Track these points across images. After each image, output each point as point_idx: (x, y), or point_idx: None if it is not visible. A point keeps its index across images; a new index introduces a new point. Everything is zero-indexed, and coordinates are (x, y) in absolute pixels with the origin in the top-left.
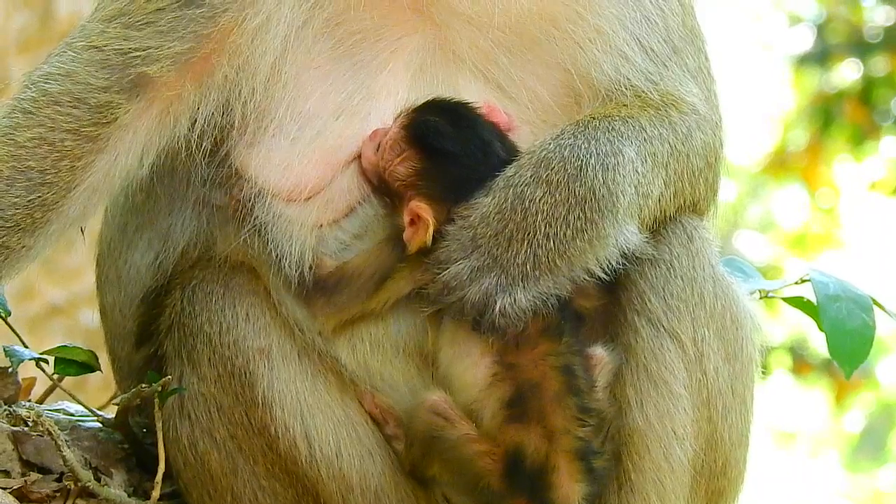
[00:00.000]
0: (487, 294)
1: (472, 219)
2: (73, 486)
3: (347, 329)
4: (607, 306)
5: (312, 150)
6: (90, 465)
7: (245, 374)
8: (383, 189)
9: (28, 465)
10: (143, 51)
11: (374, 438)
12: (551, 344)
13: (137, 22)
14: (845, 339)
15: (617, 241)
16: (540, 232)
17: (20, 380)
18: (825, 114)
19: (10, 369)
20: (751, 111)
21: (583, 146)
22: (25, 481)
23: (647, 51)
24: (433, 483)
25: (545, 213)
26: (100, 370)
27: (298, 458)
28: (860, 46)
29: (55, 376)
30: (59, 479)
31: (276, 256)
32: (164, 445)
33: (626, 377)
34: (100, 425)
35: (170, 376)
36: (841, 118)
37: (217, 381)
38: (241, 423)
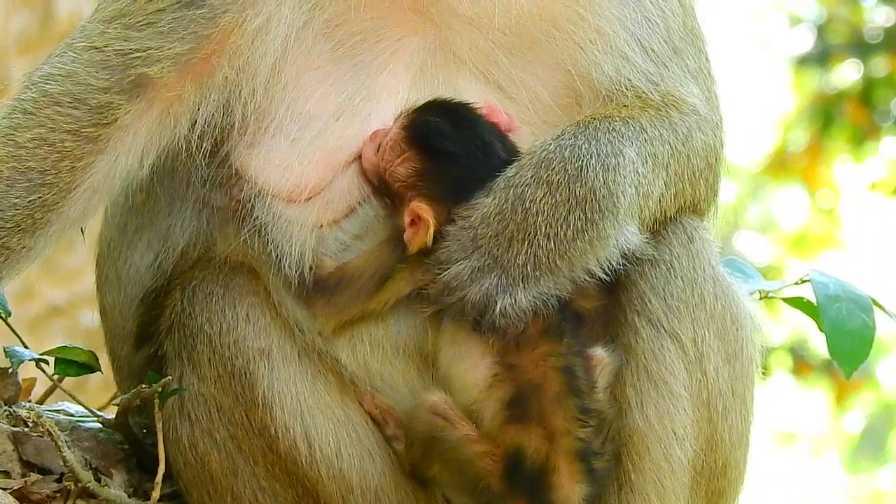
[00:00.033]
0: (488, 294)
1: (472, 219)
2: (73, 487)
3: (347, 329)
4: (607, 307)
5: (312, 151)
6: (90, 465)
7: (245, 374)
8: (384, 190)
9: (28, 466)
10: (144, 52)
11: (374, 439)
12: (552, 345)
13: (138, 23)
14: (845, 340)
15: (617, 241)
16: (540, 232)
17: (20, 380)
18: (825, 114)
19: (10, 370)
20: (751, 112)
21: (583, 147)
22: (26, 482)
23: (648, 51)
24: (433, 483)
25: (546, 214)
26: (100, 371)
27: (298, 459)
28: (860, 47)
29: (55, 377)
30: (59, 480)
31: (276, 257)
32: (165, 446)
33: (626, 378)
34: (100, 426)
35: (170, 377)
36: (841, 119)
37: (217, 381)
38: (241, 423)
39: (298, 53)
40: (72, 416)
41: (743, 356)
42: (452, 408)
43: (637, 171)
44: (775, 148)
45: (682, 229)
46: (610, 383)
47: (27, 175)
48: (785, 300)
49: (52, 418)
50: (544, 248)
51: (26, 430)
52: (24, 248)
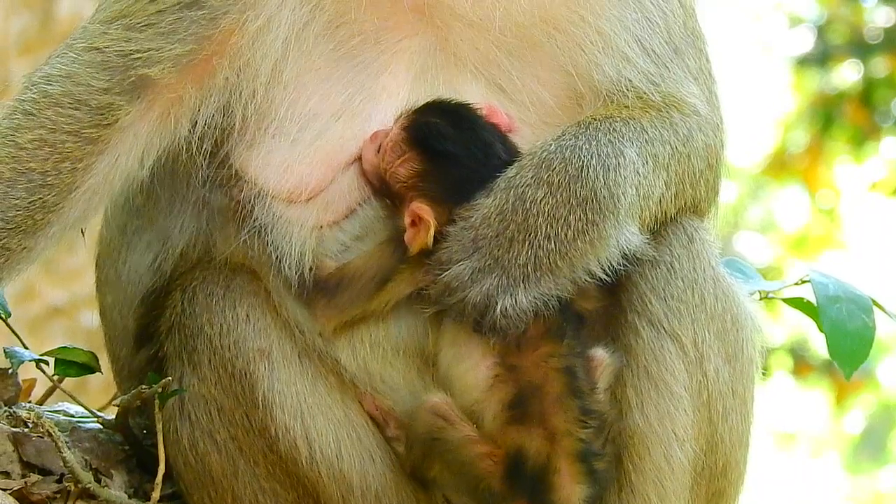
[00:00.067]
0: (489, 295)
1: (473, 220)
2: (73, 488)
3: (348, 330)
4: (608, 308)
5: (313, 152)
6: (90, 466)
7: (245, 375)
8: (384, 191)
9: (28, 467)
10: (145, 52)
11: (374, 440)
12: (553, 346)
13: (138, 24)
14: (845, 340)
15: (618, 242)
16: (541, 233)
17: (20, 381)
18: (826, 115)
19: (10, 370)
20: (751, 112)
21: (584, 147)
22: (26, 482)
23: (649, 52)
24: (434, 484)
25: (546, 214)
26: (100, 371)
27: (299, 460)
28: (861, 47)
29: (55, 377)
30: (59, 481)
31: (277, 258)
32: (165, 447)
33: (626, 378)
34: (100, 427)
35: (170, 378)
36: (841, 119)
37: (217, 382)
38: (241, 424)
39: (299, 54)
40: (72, 416)
41: (743, 357)
42: (453, 409)
43: (638, 172)
44: (775, 148)
45: (682, 230)
46: (611, 384)
47: (28, 176)
48: (785, 301)
49: (52, 419)
50: (545, 248)
51: (26, 430)
52: (24, 248)
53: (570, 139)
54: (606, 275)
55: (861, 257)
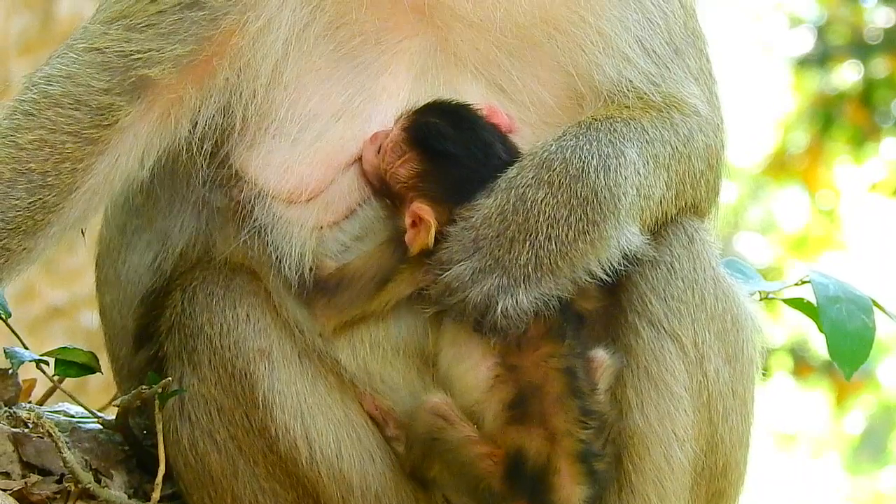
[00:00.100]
0: (489, 295)
1: (473, 220)
2: (73, 488)
3: (348, 330)
4: (608, 308)
5: (313, 152)
6: (90, 466)
7: (245, 375)
8: (384, 191)
9: (28, 467)
10: (145, 53)
11: (374, 440)
12: (553, 346)
13: (139, 24)
14: (845, 341)
15: (618, 242)
16: (542, 233)
17: (20, 381)
18: (826, 115)
19: (10, 371)
20: (751, 113)
21: (585, 147)
22: (26, 483)
23: (649, 52)
24: (434, 484)
25: (547, 215)
26: (100, 372)
27: (299, 460)
28: (861, 48)
29: (55, 378)
30: (59, 481)
31: (277, 258)
32: (165, 447)
33: (626, 379)
34: (100, 427)
35: (170, 378)
36: (841, 120)
37: (217, 382)
38: (241, 424)
39: (299, 55)
40: (72, 417)
41: (743, 357)
42: (453, 409)
43: (638, 172)
44: (775, 149)
45: (682, 230)
46: (611, 385)
47: (28, 176)
48: (785, 301)
49: (52, 419)
50: (545, 248)
51: (26, 431)
52: (24, 249)
53: (571, 139)
54: (607, 275)
55: (861, 258)
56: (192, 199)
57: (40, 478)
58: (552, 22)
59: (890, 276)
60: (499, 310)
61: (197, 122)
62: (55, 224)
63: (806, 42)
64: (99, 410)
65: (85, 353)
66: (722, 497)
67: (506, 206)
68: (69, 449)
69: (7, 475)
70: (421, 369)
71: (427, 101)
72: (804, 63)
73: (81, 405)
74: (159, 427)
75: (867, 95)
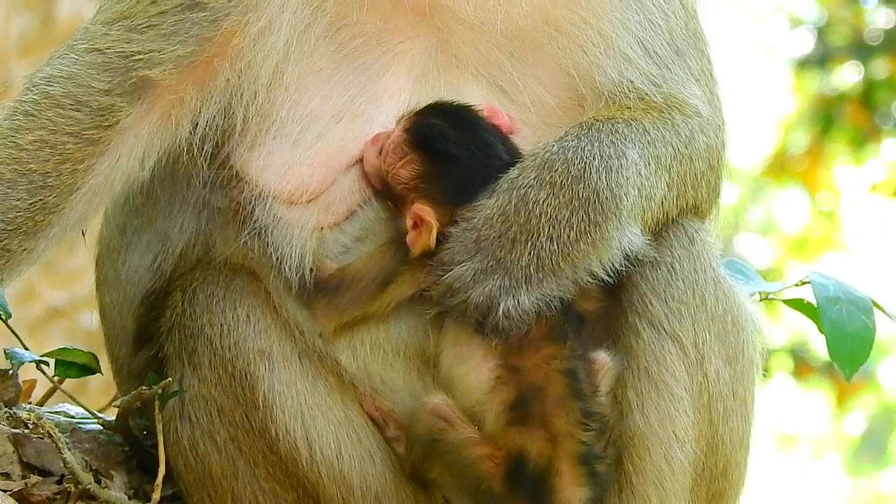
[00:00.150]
0: (491, 296)
1: (475, 221)
2: (73, 489)
3: (348, 331)
4: (608, 308)
5: (314, 153)
6: (91, 467)
7: (246, 375)
8: (386, 192)
9: (28, 468)
10: (146, 54)
11: (374, 440)
12: (555, 347)
13: (140, 25)
14: (845, 342)
15: (620, 243)
16: (543, 234)
17: (21, 382)
18: (826, 116)
19: (10, 371)
20: (752, 114)
21: (586, 148)
22: (26, 484)
23: (651, 53)
24: (434, 485)
25: (548, 216)
26: (100, 372)
27: (299, 460)
28: (861, 49)
29: (56, 378)
30: (59, 482)
31: (277, 259)
32: (165, 448)
33: (627, 379)
34: (100, 427)
35: (170, 378)
36: (841, 121)
37: (218, 382)
38: (241, 425)
39: (300, 56)
40: (72, 417)
41: (744, 358)
42: (454, 410)
43: (640, 173)
44: (776, 150)
45: (683, 231)
46: (612, 387)
47: (28, 177)
48: (785, 302)
49: (52, 420)
50: (547, 249)
51: (26, 431)
52: (24, 250)
53: (573, 140)
54: (608, 276)
55: (861, 259)
56: (193, 200)
57: (40, 478)
58: (553, 23)
59: (890, 276)
60: (500, 311)
61: (197, 123)
62: (56, 225)
63: (806, 43)
64: (99, 411)
65: (85, 353)
66: (722, 498)
67: (507, 207)
68: (69, 450)
69: (7, 476)
70: (421, 370)
71: (428, 103)
72: (804, 64)
73: (81, 406)
74: (159, 428)
75: (867, 96)
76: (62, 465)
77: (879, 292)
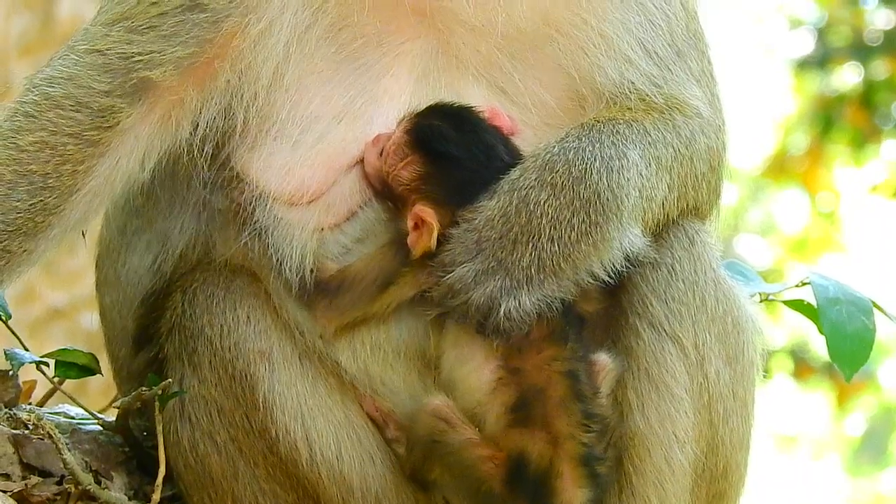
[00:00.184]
0: (492, 297)
1: (476, 222)
2: (73, 490)
3: (349, 332)
4: (608, 309)
5: (314, 154)
6: (91, 468)
7: (246, 376)
8: (386, 193)
9: (28, 469)
10: (146, 55)
11: (374, 441)
12: (556, 349)
13: (140, 26)
14: (845, 343)
15: (621, 244)
16: (544, 235)
17: (21, 383)
18: (826, 117)
19: (10, 372)
20: (752, 114)
21: (587, 149)
22: (26, 484)
23: (651, 55)
24: (434, 487)
25: (550, 217)
26: (100, 373)
27: (299, 461)
28: (861, 50)
29: (56, 379)
30: (59, 483)
31: (277, 260)
32: (165, 448)
33: (627, 380)
34: (100, 428)
35: (170, 379)
36: (841, 122)
37: (218, 383)
38: (241, 425)
39: (301, 57)
40: (72, 418)
41: (744, 359)
42: (454, 411)
43: (641, 174)
44: (776, 151)
45: (683, 232)
46: (612, 389)
47: (29, 178)
48: (785, 303)
49: (52, 421)
50: (548, 250)
51: (27, 432)
52: (25, 251)
53: (574, 141)
54: (609, 277)
55: (861, 260)
56: (193, 201)
57: (40, 479)
58: (554, 24)
59: (890, 277)
60: (501, 312)
61: (198, 124)
62: (56, 226)
63: (806, 44)
64: (99, 412)
65: (85, 354)
66: (722, 499)
67: (508, 208)
68: (69, 450)
69: (7, 477)
70: (422, 372)
71: (429, 104)
72: (804, 65)
73: (82, 407)
74: (159, 429)
75: (867, 97)
76: (62, 465)
77: (879, 293)
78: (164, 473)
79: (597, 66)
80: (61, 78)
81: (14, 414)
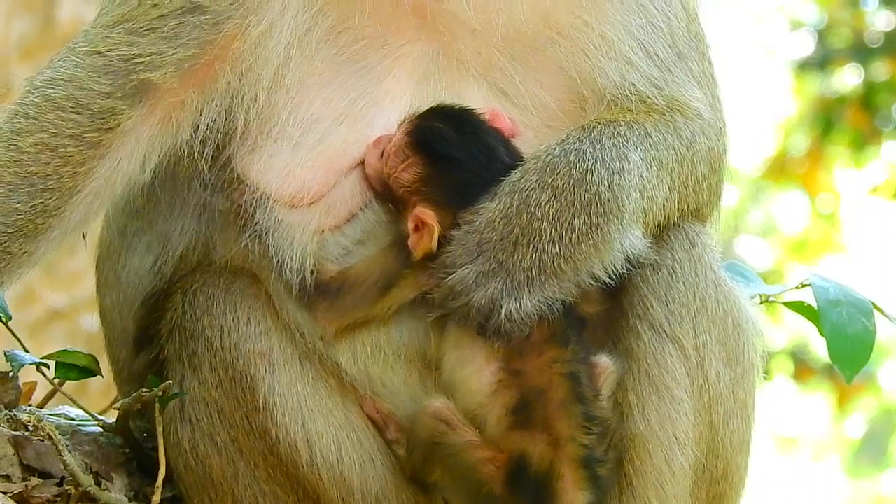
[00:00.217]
0: (493, 299)
1: (477, 224)
2: (73, 491)
3: (349, 334)
4: (609, 311)
5: (315, 156)
6: (91, 469)
7: (246, 377)
8: (387, 195)
9: (29, 470)
10: (147, 57)
11: (375, 443)
12: (557, 351)
13: (141, 28)
14: (846, 344)
15: (622, 245)
16: (545, 237)
17: (21, 384)
18: (826, 119)
19: (10, 374)
20: (752, 116)
21: (588, 151)
22: (26, 486)
23: (652, 56)
24: (435, 488)
25: (551, 218)
26: (101, 375)
27: (299, 462)
28: (861, 51)
29: (56, 381)
30: (59, 484)
31: (278, 262)
32: (165, 450)
33: (627, 382)
34: (100, 430)
35: (171, 381)
36: (842, 123)
37: (218, 384)
38: (241, 426)
39: (301, 59)
40: (72, 419)
41: (744, 360)
42: (455, 413)
43: (642, 176)
44: (776, 152)
45: (684, 234)
46: (613, 391)
47: (29, 180)
48: (786, 304)
49: (52, 422)
50: (549, 252)
51: (27, 434)
52: (25, 252)
53: (575, 143)
54: (610, 278)
55: (861, 261)
56: (193, 203)
57: (41, 481)
58: (555, 26)
59: (890, 279)
60: (502, 313)
61: (198, 126)
62: (56, 227)
63: (807, 45)
64: (99, 413)
65: (85, 356)
66: (722, 500)
67: (509, 210)
68: (69, 452)
69: (7, 478)
70: (422, 373)
71: (430, 106)
72: (805, 66)
73: (82, 408)
74: (160, 430)
75: (868, 99)
76: (62, 467)
77: (880, 295)
78: (164, 475)
79: (598, 67)
80: (62, 80)
81: (14, 415)
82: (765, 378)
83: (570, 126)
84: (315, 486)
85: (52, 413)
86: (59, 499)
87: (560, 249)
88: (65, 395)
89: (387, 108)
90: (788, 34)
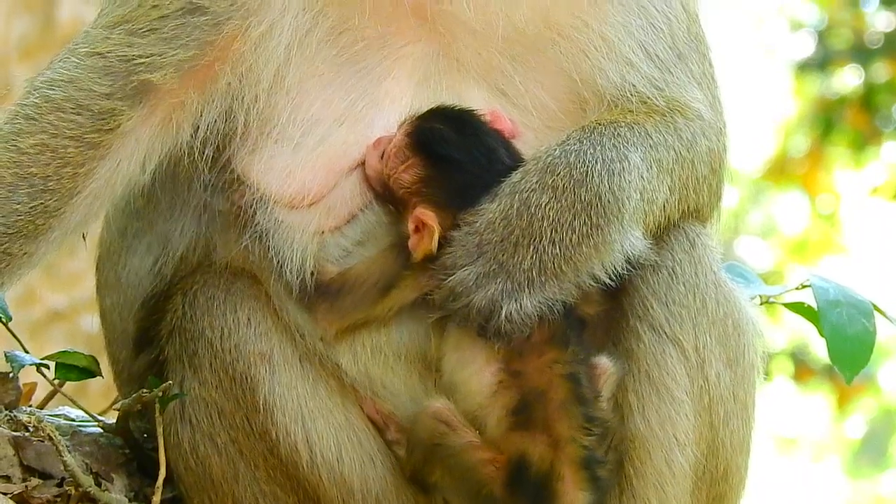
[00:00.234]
0: (493, 300)
1: (477, 225)
2: (73, 492)
3: (349, 335)
4: (609, 312)
5: (315, 157)
6: (91, 470)
7: (246, 378)
8: (387, 196)
9: (29, 471)
10: (147, 58)
11: (375, 443)
12: (558, 352)
13: (141, 29)
14: (846, 345)
15: (622, 246)
16: (546, 237)
17: (21, 385)
18: (826, 119)
19: (10, 374)
20: (752, 117)
21: (588, 152)
22: (26, 486)
23: (653, 57)
24: (435, 489)
25: (551, 219)
26: (101, 375)
27: (299, 463)
28: (861, 52)
29: (56, 381)
30: (59, 485)
31: (278, 263)
32: (165, 450)
33: (627, 383)
34: (101, 430)
35: (171, 381)
36: (842, 124)
37: (218, 385)
38: (242, 427)
39: (301, 60)
40: (72, 420)
41: (744, 361)
42: (455, 414)
43: (642, 177)
44: (776, 153)
45: (684, 235)
46: (613, 392)
47: (29, 181)
48: (786, 305)
49: (52, 423)
50: (550, 253)
51: (27, 434)
52: (25, 253)
53: (575, 144)
54: (610, 279)
55: (861, 262)
56: (194, 203)
57: (41, 481)
58: (555, 27)
59: (890, 279)
60: (503, 314)
61: (199, 127)
62: (56, 228)
63: (807, 46)
64: (99, 414)
65: (85, 356)
66: (723, 501)
67: (510, 211)
68: (70, 452)
69: (8, 479)
70: (422, 374)
71: (430, 107)
72: (805, 67)
73: (82, 409)
74: (160, 431)
75: (868, 99)
76: (63, 467)
77: (880, 295)
78: (164, 475)
79: (598, 68)
80: (62, 80)
81: (14, 416)
82: (765, 379)
83: (571, 127)
84: (315, 486)
85: (53, 414)
86: (59, 499)
87: (560, 250)
88: (65, 395)
89: (387, 110)
90: (788, 35)
